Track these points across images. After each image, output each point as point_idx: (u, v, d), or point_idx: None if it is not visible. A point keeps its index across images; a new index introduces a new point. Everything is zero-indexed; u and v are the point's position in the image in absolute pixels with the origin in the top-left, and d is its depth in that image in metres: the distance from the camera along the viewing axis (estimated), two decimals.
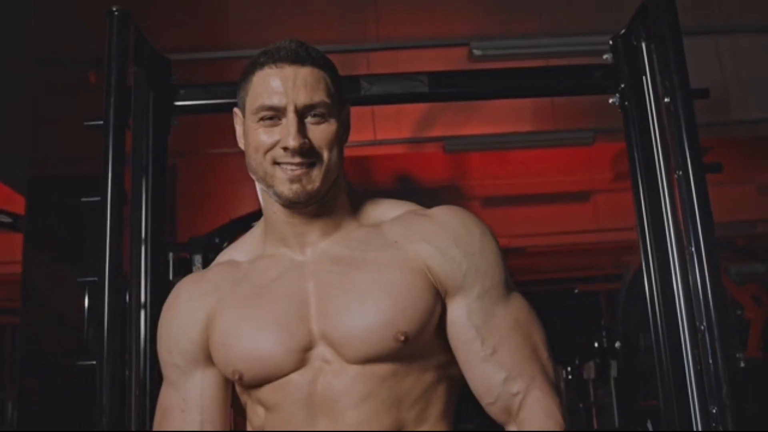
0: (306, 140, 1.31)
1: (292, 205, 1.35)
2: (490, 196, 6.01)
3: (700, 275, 1.57)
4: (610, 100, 1.90)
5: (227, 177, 4.52)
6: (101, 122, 1.63)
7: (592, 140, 4.67)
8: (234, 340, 1.36)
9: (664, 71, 1.69)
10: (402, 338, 1.29)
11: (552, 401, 1.33)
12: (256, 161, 1.35)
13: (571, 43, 4.23)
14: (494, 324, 1.34)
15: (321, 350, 1.32)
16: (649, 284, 1.77)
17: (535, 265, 6.77)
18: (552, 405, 1.33)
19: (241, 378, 1.35)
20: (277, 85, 1.32)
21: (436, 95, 1.96)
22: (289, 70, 1.32)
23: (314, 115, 1.33)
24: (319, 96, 1.33)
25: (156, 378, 1.63)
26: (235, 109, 1.43)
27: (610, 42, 1.90)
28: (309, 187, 1.32)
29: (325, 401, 1.30)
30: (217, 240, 3.05)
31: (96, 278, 1.56)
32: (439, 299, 1.35)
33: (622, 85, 1.86)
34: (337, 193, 1.40)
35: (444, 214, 1.40)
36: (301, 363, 1.32)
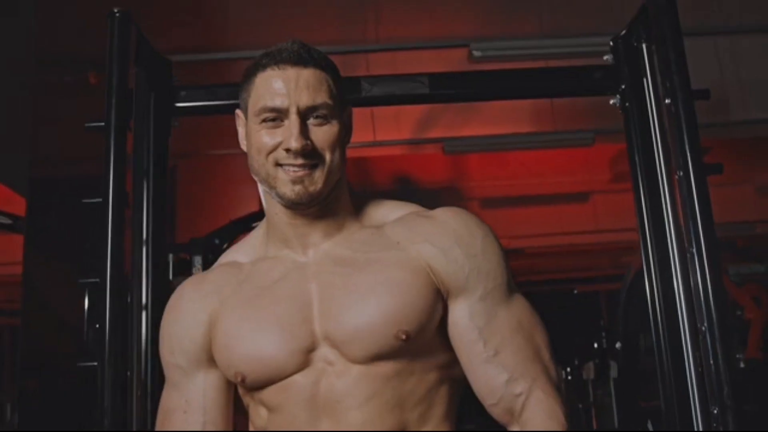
0: (308, 142, 1.31)
1: (294, 206, 1.35)
2: (490, 197, 6.00)
3: (701, 276, 1.57)
4: (611, 101, 1.90)
5: (227, 178, 4.52)
6: (102, 124, 1.63)
7: (591, 141, 4.66)
8: (236, 341, 1.36)
9: (665, 72, 1.69)
10: (403, 337, 1.30)
11: (554, 402, 1.33)
12: (258, 163, 1.35)
13: (571, 44, 4.22)
14: (497, 325, 1.35)
15: (324, 351, 1.32)
16: (649, 285, 1.77)
17: (535, 265, 6.76)
18: (554, 406, 1.33)
19: (243, 380, 1.35)
20: (280, 86, 1.32)
21: (436, 96, 1.96)
22: (291, 72, 1.33)
23: (316, 117, 1.33)
24: (322, 97, 1.33)
25: (157, 379, 1.63)
26: (237, 111, 1.44)
27: (611, 43, 1.90)
28: (311, 189, 1.33)
29: (328, 402, 1.30)
30: (217, 241, 3.05)
31: (97, 279, 1.56)
32: (440, 299, 1.35)
33: (623, 86, 1.86)
34: (340, 194, 1.41)
35: (446, 216, 1.41)
36: (303, 364, 1.32)
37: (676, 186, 1.66)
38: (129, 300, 1.64)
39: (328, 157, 1.34)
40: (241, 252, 1.49)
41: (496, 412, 1.36)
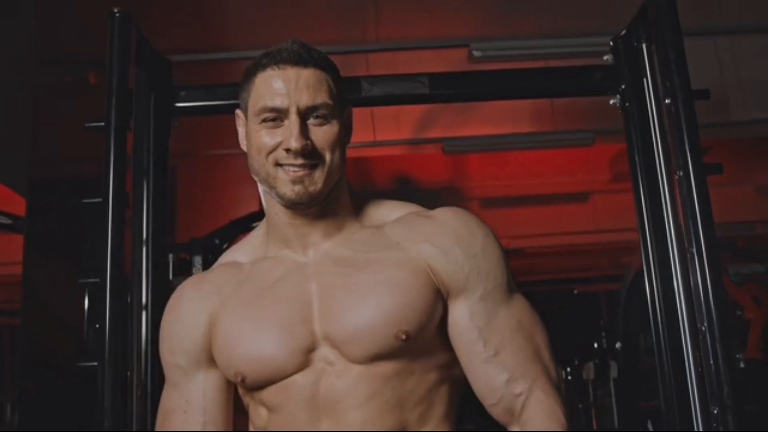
0: (308, 142, 1.31)
1: (294, 206, 1.35)
2: (490, 197, 6.00)
3: (701, 276, 1.57)
4: (611, 101, 1.90)
5: (227, 178, 4.52)
6: (102, 124, 1.63)
7: (591, 141, 4.66)
8: (236, 341, 1.36)
9: (665, 72, 1.69)
10: (403, 337, 1.30)
11: (555, 402, 1.33)
12: (258, 163, 1.35)
13: (571, 44, 4.22)
14: (497, 325, 1.35)
15: (324, 351, 1.32)
16: (650, 285, 1.77)
17: (534, 266, 6.76)
18: (555, 406, 1.33)
19: (243, 380, 1.35)
20: (280, 86, 1.32)
21: (436, 96, 1.96)
22: (291, 72, 1.33)
23: (316, 117, 1.33)
24: (322, 97, 1.33)
25: (157, 379, 1.63)
26: (237, 111, 1.44)
27: (611, 43, 1.90)
28: (311, 189, 1.33)
29: (328, 402, 1.31)
30: (216, 241, 3.05)
31: (98, 279, 1.56)
32: (440, 299, 1.35)
33: (623, 86, 1.86)
34: (340, 194, 1.41)
35: (446, 216, 1.41)
36: (303, 364, 1.32)
37: (676, 186, 1.66)
38: (129, 300, 1.64)
39: (328, 157, 1.34)
40: (241, 252, 1.49)
41: (496, 412, 1.36)
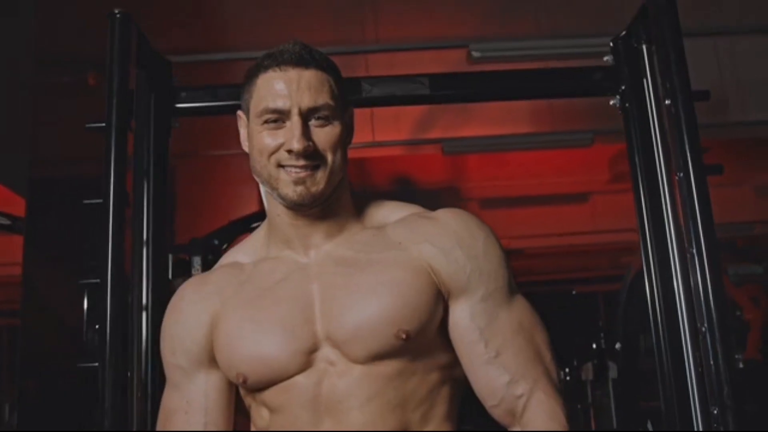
0: (310, 143, 1.32)
1: (296, 207, 1.36)
2: (489, 198, 6.01)
3: (701, 276, 1.57)
4: (611, 102, 1.90)
5: (226, 178, 4.52)
6: (103, 124, 1.63)
7: (590, 142, 4.67)
8: (238, 342, 1.36)
9: (665, 73, 1.70)
10: (404, 336, 1.30)
11: (555, 403, 1.34)
12: (260, 164, 1.35)
13: (570, 45, 4.22)
14: (498, 326, 1.35)
15: (325, 352, 1.32)
16: (650, 285, 1.77)
17: (533, 266, 6.76)
18: (556, 407, 1.33)
19: (245, 381, 1.35)
20: (281, 87, 1.32)
21: (437, 97, 1.96)
22: (293, 73, 1.33)
23: (318, 118, 1.33)
24: (323, 98, 1.33)
25: (158, 380, 1.63)
26: (239, 112, 1.44)
27: (611, 44, 1.90)
28: (313, 190, 1.33)
29: (330, 402, 1.31)
30: (216, 242, 3.04)
31: (98, 280, 1.56)
32: (441, 300, 1.35)
33: (623, 87, 1.87)
34: (341, 195, 1.41)
35: (448, 217, 1.41)
36: (305, 365, 1.32)
37: (676, 186, 1.66)
38: (129, 300, 1.64)
39: (329, 158, 1.34)
40: (242, 252, 1.50)
41: (497, 414, 1.36)
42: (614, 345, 4.78)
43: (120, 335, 1.55)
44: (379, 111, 3.93)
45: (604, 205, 6.07)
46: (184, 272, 2.81)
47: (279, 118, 1.33)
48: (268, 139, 1.33)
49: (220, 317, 1.40)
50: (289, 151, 1.31)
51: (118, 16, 1.69)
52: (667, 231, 1.75)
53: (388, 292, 1.32)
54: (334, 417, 1.31)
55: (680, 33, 1.69)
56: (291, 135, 1.31)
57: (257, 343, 1.35)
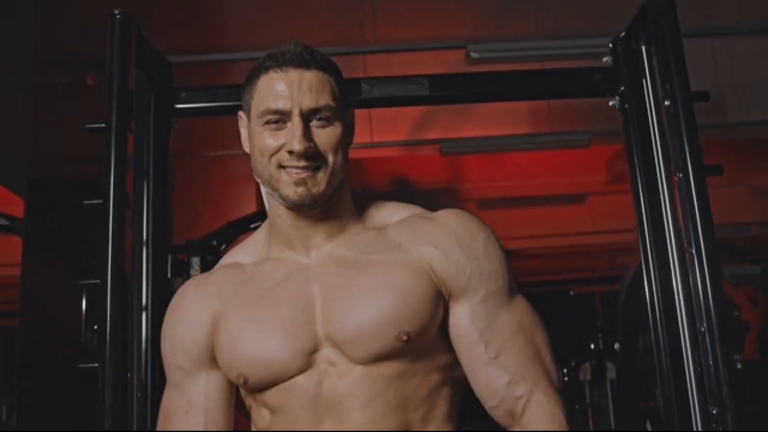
0: (311, 144, 1.32)
1: (297, 208, 1.36)
2: (486, 198, 6.01)
3: (701, 277, 1.57)
4: (610, 103, 1.90)
5: (224, 179, 4.51)
6: (103, 125, 1.63)
7: (588, 142, 4.67)
8: (239, 342, 1.36)
9: (664, 74, 1.70)
10: (405, 338, 1.30)
11: (555, 404, 1.34)
12: (261, 164, 1.35)
13: (569, 45, 4.23)
14: (498, 327, 1.35)
15: (326, 352, 1.32)
16: (649, 286, 1.77)
17: (531, 267, 6.77)
18: (555, 408, 1.33)
19: (245, 381, 1.35)
20: (283, 88, 1.32)
21: (436, 98, 1.96)
22: (294, 74, 1.33)
23: (319, 119, 1.33)
24: (324, 99, 1.33)
25: (158, 380, 1.63)
26: (240, 113, 1.44)
27: (610, 45, 1.91)
28: (314, 190, 1.33)
29: (331, 403, 1.31)
30: (214, 242, 3.04)
31: (98, 281, 1.56)
32: (441, 301, 1.35)
33: (622, 88, 1.87)
34: (342, 196, 1.41)
35: (448, 218, 1.41)
36: (306, 366, 1.32)
37: (675, 187, 1.67)
38: (129, 301, 1.64)
39: (330, 158, 1.34)
40: (243, 253, 1.50)
41: (497, 415, 1.36)
42: (612, 345, 4.79)
43: (120, 335, 1.55)
44: (377, 112, 3.93)
45: (602, 206, 6.07)
46: (182, 273, 2.80)
47: (280, 119, 1.33)
48: (269, 139, 1.33)
49: (221, 317, 1.40)
50: (290, 152, 1.31)
51: (118, 16, 1.69)
52: (666, 231, 1.75)
53: (389, 294, 1.32)
54: (335, 418, 1.30)
55: (679, 34, 1.69)
56: (292, 136, 1.31)
57: (258, 344, 1.34)
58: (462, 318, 1.35)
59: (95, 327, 1.57)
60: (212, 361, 1.40)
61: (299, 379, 1.32)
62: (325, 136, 1.34)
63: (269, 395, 1.35)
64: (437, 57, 4.37)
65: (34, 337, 2.99)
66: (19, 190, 3.21)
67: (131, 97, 1.69)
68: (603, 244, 6.32)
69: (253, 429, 1.43)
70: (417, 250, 1.36)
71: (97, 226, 1.59)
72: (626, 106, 1.86)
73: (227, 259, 1.52)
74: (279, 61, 1.34)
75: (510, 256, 1.42)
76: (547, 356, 1.38)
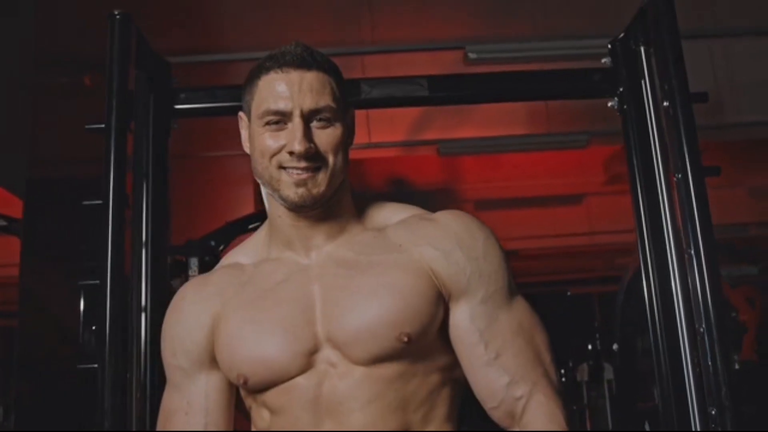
0: (312, 145, 1.32)
1: (297, 208, 1.36)
2: (484, 199, 6.02)
3: (699, 278, 1.57)
4: (609, 104, 1.90)
5: (222, 180, 4.51)
6: (103, 125, 1.63)
7: (585, 143, 4.68)
8: (239, 342, 1.36)
9: (663, 75, 1.70)
10: (405, 339, 1.30)
11: (555, 405, 1.34)
12: (261, 165, 1.35)
13: (567, 46, 4.24)
14: (497, 328, 1.35)
15: (326, 353, 1.32)
16: (647, 287, 1.77)
17: (528, 267, 6.78)
18: (555, 409, 1.33)
19: (246, 382, 1.35)
20: (283, 89, 1.32)
21: (435, 99, 1.96)
22: (294, 75, 1.33)
23: (320, 120, 1.34)
24: (325, 100, 1.33)
25: (157, 381, 1.63)
26: (240, 113, 1.44)
27: (609, 46, 1.91)
28: (315, 191, 1.33)
29: (331, 404, 1.31)
30: (213, 243, 3.04)
31: (98, 281, 1.56)
32: (442, 302, 1.36)
33: (621, 89, 1.87)
34: (342, 196, 1.41)
35: (448, 219, 1.41)
36: (306, 366, 1.32)
37: (674, 188, 1.67)
38: (128, 302, 1.64)
39: (331, 159, 1.34)
40: (243, 254, 1.50)
41: (497, 415, 1.36)
42: (610, 346, 4.79)
43: (119, 336, 1.55)
44: (375, 112, 3.93)
45: (599, 207, 6.08)
46: (180, 274, 2.80)
47: (281, 119, 1.33)
48: (270, 140, 1.33)
49: (221, 318, 1.40)
50: (291, 153, 1.31)
51: (118, 17, 1.68)
52: (665, 232, 1.75)
53: (389, 295, 1.32)
54: (335, 418, 1.31)
55: (678, 35, 1.69)
56: (293, 137, 1.31)
57: (258, 345, 1.35)
58: (462, 319, 1.36)
59: (94, 327, 1.57)
60: (212, 361, 1.40)
61: (299, 379, 1.32)
62: (326, 137, 1.34)
63: (269, 396, 1.35)
64: (435, 57, 4.37)
65: (33, 337, 2.98)
66: (17, 191, 3.21)
67: (131, 98, 1.69)
68: (600, 244, 6.34)
69: (253, 429, 1.43)
70: (417, 251, 1.36)
71: (97, 227, 1.59)
72: (625, 107, 1.86)
73: (227, 259, 1.52)
74: (279, 61, 1.34)
75: (508, 256, 1.43)
76: (547, 357, 1.38)
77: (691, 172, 1.60)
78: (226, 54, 4.24)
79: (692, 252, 1.59)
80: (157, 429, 1.46)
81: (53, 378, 2.82)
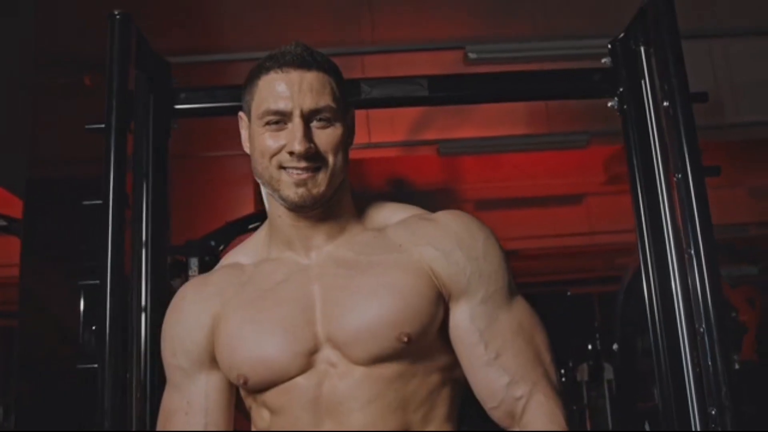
0: (312, 145, 1.32)
1: (297, 208, 1.36)
2: (484, 199, 6.01)
3: (699, 278, 1.57)
4: (609, 104, 1.90)
5: (222, 180, 4.51)
6: (103, 125, 1.63)
7: (585, 143, 4.68)
8: (239, 342, 1.36)
9: (663, 75, 1.70)
10: (405, 339, 1.30)
11: (555, 405, 1.34)
12: (261, 165, 1.35)
13: (566, 46, 4.23)
14: (497, 328, 1.35)
15: (326, 353, 1.33)
16: (647, 287, 1.78)
17: (528, 267, 6.77)
18: (555, 409, 1.33)
19: (246, 382, 1.35)
20: (283, 89, 1.33)
21: (435, 99, 1.96)
22: (294, 75, 1.33)
23: (320, 120, 1.34)
24: (325, 100, 1.33)
25: (157, 381, 1.63)
26: (240, 113, 1.44)
27: (609, 46, 1.91)
28: (315, 191, 1.33)
29: (331, 404, 1.31)
30: (212, 243, 3.04)
31: (98, 281, 1.56)
32: (442, 302, 1.36)
33: (621, 89, 1.87)
34: (342, 196, 1.41)
35: (448, 219, 1.41)
36: (306, 366, 1.32)
37: (674, 188, 1.67)
38: (128, 301, 1.64)
39: (331, 159, 1.34)
40: (243, 254, 1.50)
41: (497, 415, 1.37)
42: (610, 346, 4.79)
43: (119, 336, 1.55)
44: (375, 112, 3.93)
45: (599, 207, 6.08)
46: (180, 274, 2.80)
47: (281, 119, 1.33)
48: (270, 140, 1.34)
49: (221, 318, 1.40)
50: (291, 153, 1.31)
51: (118, 17, 1.68)
52: (665, 232, 1.75)
53: (389, 295, 1.32)
54: (335, 418, 1.31)
55: (678, 35, 1.69)
56: (293, 137, 1.31)
57: (258, 345, 1.35)
58: (462, 319, 1.36)
59: (93, 327, 1.57)
60: (212, 361, 1.40)
61: (299, 379, 1.32)
62: (326, 137, 1.34)
63: (269, 396, 1.35)
64: (435, 57, 4.37)
65: (33, 337, 2.99)
66: (17, 191, 3.21)
67: (131, 98, 1.69)
68: (600, 244, 6.33)
69: (252, 429, 1.43)
70: (417, 251, 1.37)
71: (97, 227, 1.59)
72: (625, 107, 1.86)
73: (227, 259, 1.52)
74: (280, 61, 1.34)
75: (508, 256, 1.43)
76: (547, 357, 1.38)
77: (691, 172, 1.60)
78: (226, 54, 4.24)
79: (692, 252, 1.59)
80: (157, 429, 1.46)
81: (53, 378, 2.82)
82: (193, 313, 1.42)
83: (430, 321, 1.33)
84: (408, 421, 1.32)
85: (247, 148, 1.42)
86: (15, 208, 3.17)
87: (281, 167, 1.33)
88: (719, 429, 1.52)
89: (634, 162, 1.83)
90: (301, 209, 1.36)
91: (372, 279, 1.34)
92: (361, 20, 4.49)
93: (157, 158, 1.82)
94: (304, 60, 1.34)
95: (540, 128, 4.65)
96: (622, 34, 1.88)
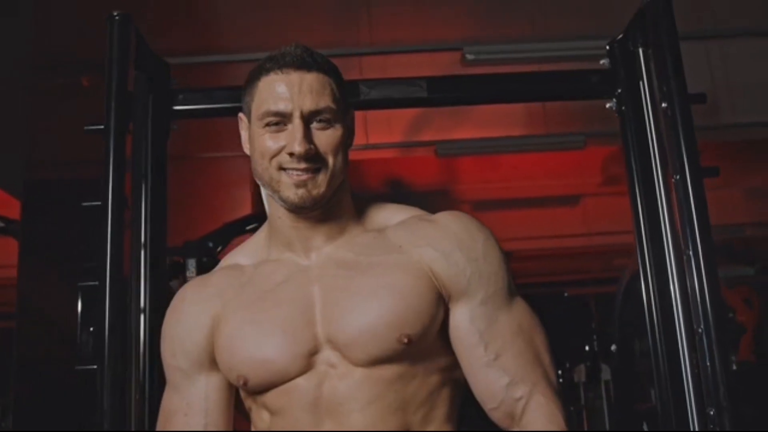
0: (312, 146, 1.32)
1: (297, 209, 1.36)
2: (482, 200, 6.02)
3: (698, 278, 1.57)
4: (607, 105, 1.90)
5: (220, 181, 4.51)
6: (102, 127, 1.63)
7: (583, 144, 4.68)
8: (239, 344, 1.36)
9: (662, 76, 1.70)
10: (405, 340, 1.30)
11: (555, 406, 1.34)
12: (261, 166, 1.35)
13: (565, 47, 4.24)
14: (497, 329, 1.35)
15: (326, 354, 1.33)
16: (646, 288, 1.77)
17: (526, 268, 6.78)
18: (554, 410, 1.33)
19: (245, 383, 1.35)
20: (283, 90, 1.33)
21: (434, 100, 1.95)
22: (294, 76, 1.33)
23: (320, 121, 1.34)
24: (325, 102, 1.33)
25: (156, 382, 1.63)
26: (240, 114, 1.44)
27: (607, 47, 1.90)
28: (314, 192, 1.33)
29: (331, 405, 1.31)
30: (210, 244, 3.05)
31: (97, 282, 1.56)
32: (442, 303, 1.36)
33: (619, 90, 1.87)
34: (342, 197, 1.41)
35: (448, 220, 1.41)
36: (306, 367, 1.32)
37: (672, 189, 1.67)
38: (127, 303, 1.64)
39: (331, 160, 1.34)
40: (243, 255, 1.50)
41: (497, 416, 1.37)
42: (607, 347, 4.79)
43: (118, 337, 1.54)
44: (373, 114, 3.93)
45: (597, 208, 6.09)
46: (178, 275, 2.80)
47: (281, 120, 1.33)
48: (270, 141, 1.34)
49: (221, 319, 1.40)
50: (291, 154, 1.31)
51: (117, 18, 1.68)
52: (663, 233, 1.75)
53: (389, 296, 1.32)
54: (335, 419, 1.31)
55: (677, 36, 1.69)
56: (293, 138, 1.31)
57: (258, 346, 1.35)
58: (462, 320, 1.36)
59: (91, 329, 1.57)
60: (212, 362, 1.40)
61: (299, 381, 1.32)
62: (326, 138, 1.34)
63: (269, 397, 1.35)
64: (433, 59, 4.37)
65: (30, 338, 2.99)
66: (15, 192, 3.21)
67: (130, 99, 1.68)
68: (598, 245, 6.34)
69: (252, 430, 1.43)
70: (417, 252, 1.37)
71: (96, 228, 1.58)
72: (623, 108, 1.86)
73: (227, 260, 1.52)
74: (279, 62, 1.34)
75: (507, 257, 1.43)
76: (546, 358, 1.38)
77: (689, 173, 1.60)
78: (226, 55, 4.24)
79: (691, 253, 1.59)
80: (157, 430, 1.45)
81: (51, 379, 2.82)
82: (193, 314, 1.42)
83: (430, 322, 1.33)
84: (408, 421, 1.32)
85: (247, 150, 1.42)
86: (13, 209, 3.17)
87: (281, 168, 1.33)
88: (717, 429, 1.52)
89: (633, 163, 1.83)
90: (301, 210, 1.36)
91: (372, 280, 1.34)
92: (359, 21, 4.50)
93: (156, 159, 1.81)
94: (305, 61, 1.34)
95: (538, 129, 4.66)
96: (620, 36, 1.87)
